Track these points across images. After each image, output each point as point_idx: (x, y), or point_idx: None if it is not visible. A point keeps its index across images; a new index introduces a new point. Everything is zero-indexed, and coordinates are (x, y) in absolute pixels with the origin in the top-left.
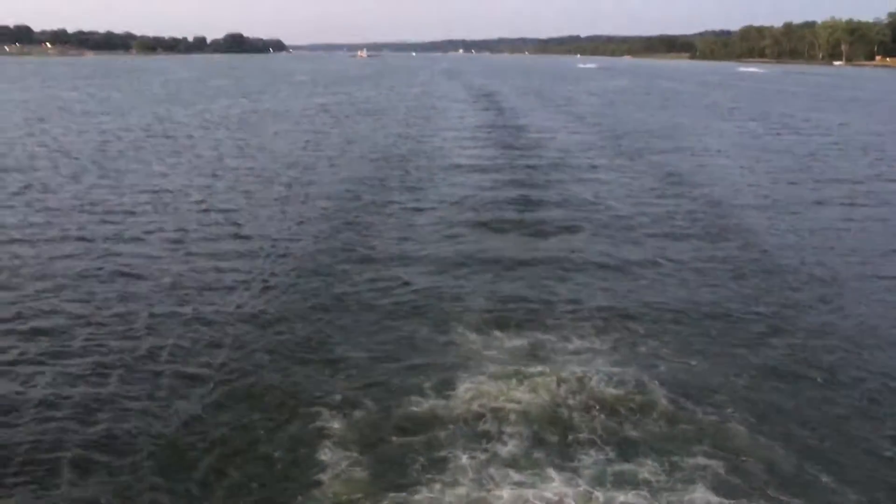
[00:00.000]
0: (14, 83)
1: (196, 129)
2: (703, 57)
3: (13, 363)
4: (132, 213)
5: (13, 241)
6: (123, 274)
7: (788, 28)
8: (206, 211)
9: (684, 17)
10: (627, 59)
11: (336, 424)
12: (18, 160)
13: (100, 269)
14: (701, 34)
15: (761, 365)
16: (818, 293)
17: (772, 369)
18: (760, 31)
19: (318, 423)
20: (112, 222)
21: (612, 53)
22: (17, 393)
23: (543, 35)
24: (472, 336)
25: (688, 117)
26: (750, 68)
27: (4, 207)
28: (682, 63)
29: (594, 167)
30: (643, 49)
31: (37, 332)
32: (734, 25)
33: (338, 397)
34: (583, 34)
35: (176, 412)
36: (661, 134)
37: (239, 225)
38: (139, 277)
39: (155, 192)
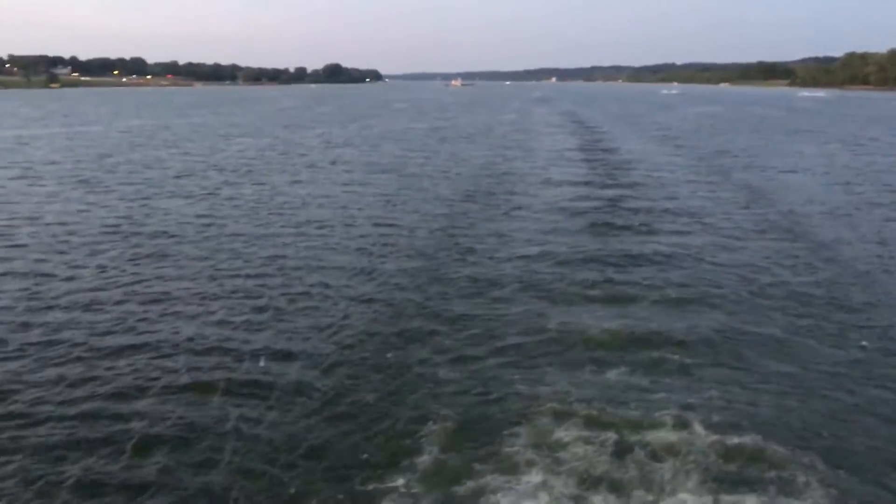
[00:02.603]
0: (150, 110)
1: (319, 147)
2: (804, 84)
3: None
4: (278, 213)
5: (180, 224)
6: (266, 259)
7: (893, 54)
8: (337, 211)
9: (784, 43)
10: (724, 87)
11: (438, 406)
12: (182, 171)
13: (248, 252)
14: (802, 61)
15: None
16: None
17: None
18: (864, 58)
19: (423, 397)
20: (259, 218)
21: (708, 81)
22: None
23: (637, 63)
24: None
25: (754, 139)
26: (817, 93)
27: (182, 204)
28: (764, 90)
29: (682, 182)
30: (739, 76)
31: (201, 282)
32: (838, 52)
33: (440, 379)
34: (678, 62)
35: (291, 378)
36: (746, 154)
37: (369, 224)
38: (281, 261)
39: (296, 196)
